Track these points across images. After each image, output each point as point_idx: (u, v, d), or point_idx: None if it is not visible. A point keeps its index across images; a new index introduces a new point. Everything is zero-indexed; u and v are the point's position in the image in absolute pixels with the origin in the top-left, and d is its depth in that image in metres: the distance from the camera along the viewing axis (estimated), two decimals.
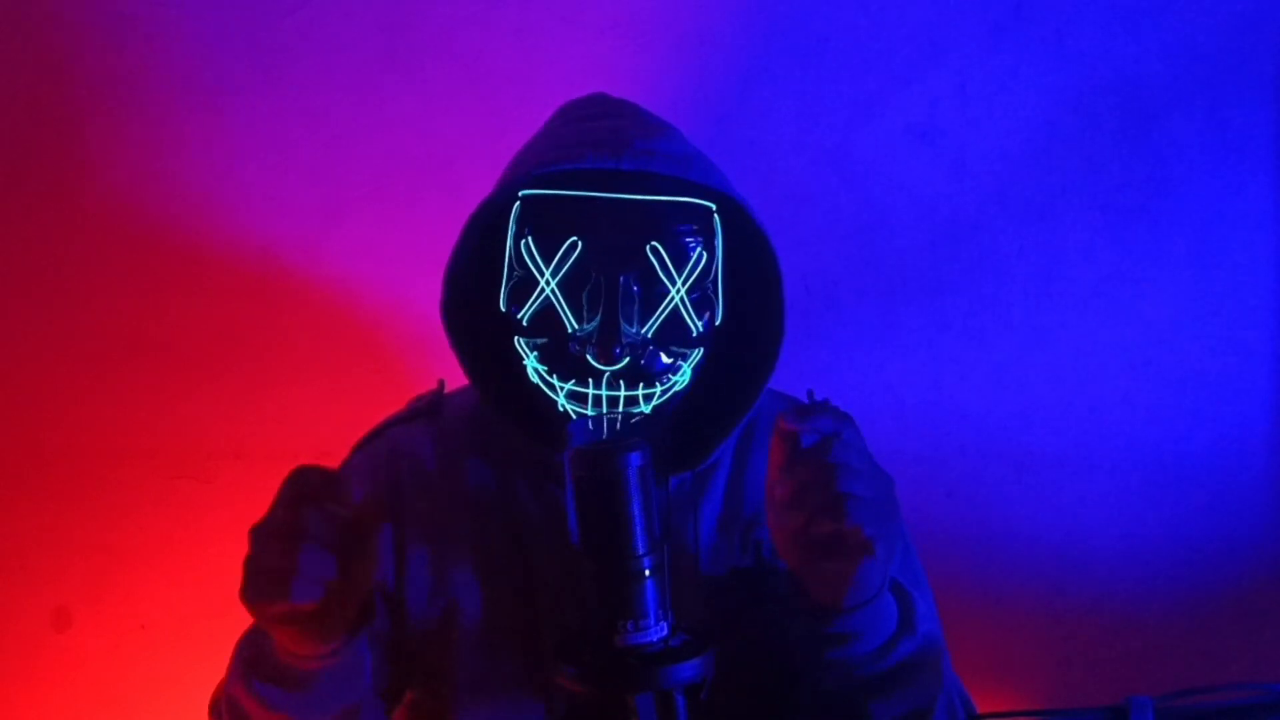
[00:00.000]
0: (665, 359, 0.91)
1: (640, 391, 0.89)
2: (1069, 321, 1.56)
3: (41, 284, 1.56)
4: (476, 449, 0.99)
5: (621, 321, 0.87)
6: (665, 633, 0.78)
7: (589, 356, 0.88)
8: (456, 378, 1.01)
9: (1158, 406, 1.57)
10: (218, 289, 1.54)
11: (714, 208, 0.93)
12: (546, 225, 0.90)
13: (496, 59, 1.52)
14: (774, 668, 0.90)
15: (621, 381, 0.89)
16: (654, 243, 0.89)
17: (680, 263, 0.90)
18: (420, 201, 1.52)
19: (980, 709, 0.95)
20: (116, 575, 1.58)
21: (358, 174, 1.54)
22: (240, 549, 0.75)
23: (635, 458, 0.77)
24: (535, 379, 0.92)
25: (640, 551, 0.77)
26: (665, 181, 0.89)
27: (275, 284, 1.54)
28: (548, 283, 0.90)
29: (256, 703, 0.81)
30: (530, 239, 0.91)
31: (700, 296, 0.92)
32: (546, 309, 0.90)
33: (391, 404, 1.07)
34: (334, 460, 1.02)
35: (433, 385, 1.05)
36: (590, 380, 0.89)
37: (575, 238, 0.89)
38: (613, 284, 0.88)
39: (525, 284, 0.91)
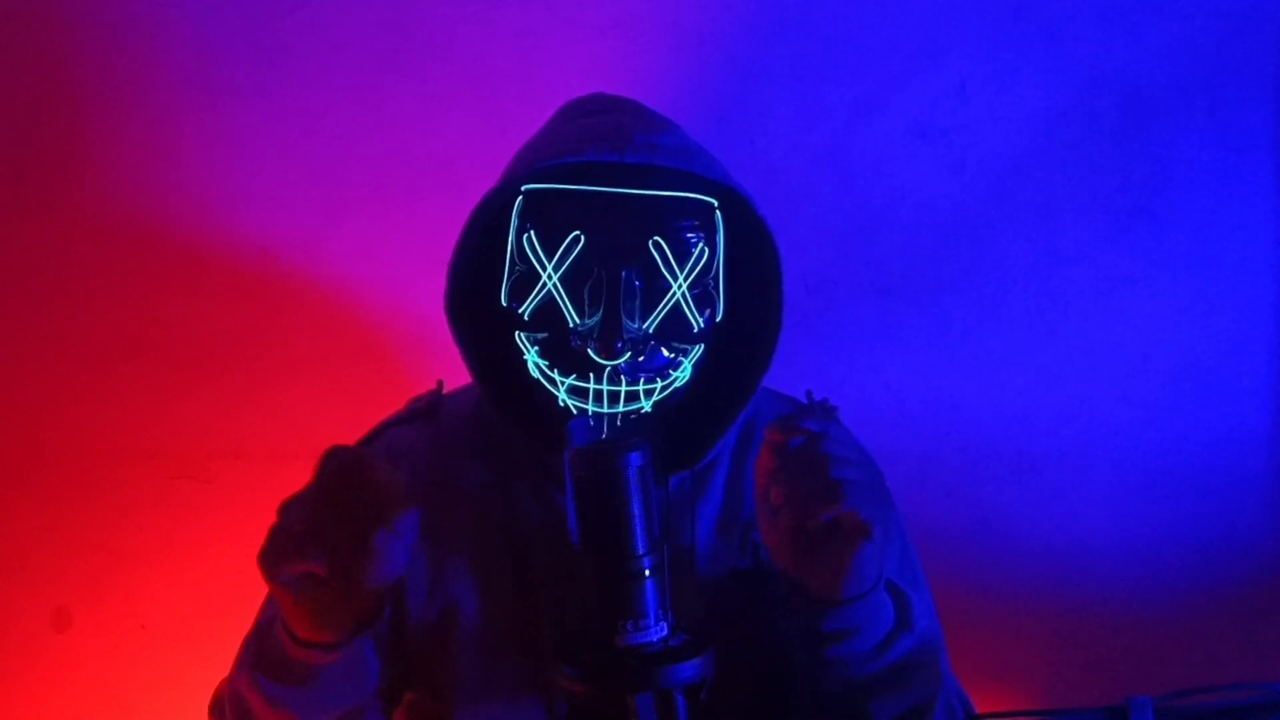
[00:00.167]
0: (666, 354, 0.91)
1: (641, 387, 0.89)
2: (1069, 321, 1.56)
3: (41, 284, 1.56)
4: (475, 449, 0.99)
5: (623, 316, 0.87)
6: (665, 633, 0.78)
7: (590, 351, 0.88)
8: (456, 378, 1.01)
9: (1158, 406, 1.57)
10: (217, 289, 1.54)
11: (716, 203, 0.93)
12: (548, 220, 0.90)
13: (496, 59, 1.52)
14: (773, 668, 0.90)
15: (622, 377, 0.89)
16: (656, 238, 0.89)
17: (682, 258, 0.90)
18: (420, 201, 1.52)
19: (980, 709, 0.95)
20: (116, 575, 1.58)
21: (358, 174, 1.54)
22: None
23: (635, 458, 0.77)
24: (536, 374, 0.92)
25: (640, 551, 0.77)
26: (667, 178, 0.89)
27: (275, 284, 1.54)
28: (549, 277, 0.90)
29: (261, 698, 0.82)
30: (532, 233, 0.91)
31: (701, 292, 0.92)
32: (548, 303, 0.90)
33: (391, 404, 1.07)
34: None
35: (432, 385, 1.05)
36: (591, 375, 0.89)
37: (577, 232, 0.89)
38: (614, 279, 0.88)
39: (527, 279, 0.91)
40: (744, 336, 0.97)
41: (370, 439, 1.03)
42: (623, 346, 0.87)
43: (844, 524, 0.78)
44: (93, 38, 1.52)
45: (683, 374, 0.92)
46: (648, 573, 0.77)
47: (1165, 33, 1.52)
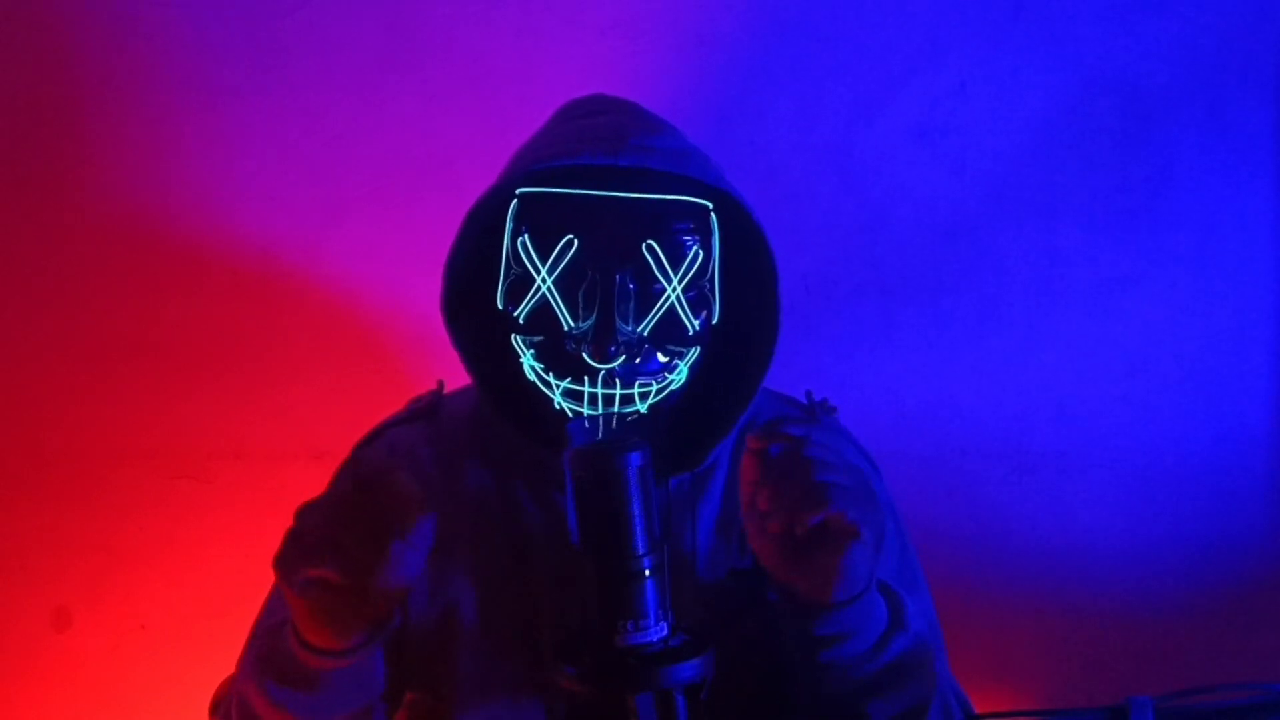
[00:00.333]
0: (661, 358, 0.91)
1: (636, 390, 0.89)
2: (1069, 321, 1.56)
3: (41, 284, 1.56)
4: (475, 450, 0.99)
5: (617, 319, 0.87)
6: (665, 633, 0.78)
7: (585, 354, 0.88)
8: (456, 378, 1.01)
9: (1158, 406, 1.57)
10: (217, 289, 1.54)
11: (711, 206, 0.93)
12: (543, 223, 0.90)
13: (496, 59, 1.52)
14: (772, 668, 0.90)
15: (618, 380, 0.88)
16: (650, 240, 0.88)
17: (676, 261, 0.90)
18: (420, 201, 1.52)
19: (980, 709, 0.95)
20: (116, 575, 1.58)
21: (358, 174, 1.54)
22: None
23: (635, 458, 0.77)
24: (532, 377, 0.92)
25: (640, 551, 0.77)
26: (662, 181, 0.89)
27: (275, 284, 1.54)
28: (544, 280, 0.90)
29: (266, 701, 0.82)
30: (526, 236, 0.91)
31: (697, 295, 0.92)
32: (543, 307, 0.90)
33: (391, 404, 1.07)
34: (333, 461, 1.03)
35: (432, 386, 1.05)
36: (586, 378, 0.88)
37: (571, 235, 0.89)
38: (608, 281, 0.88)
39: (522, 282, 0.91)
40: (742, 338, 0.97)
41: (371, 439, 1.03)
42: (617, 350, 0.87)
43: (832, 527, 0.77)
44: (93, 38, 1.52)
45: (678, 377, 0.92)
46: (648, 573, 0.77)
47: (1165, 33, 1.52)
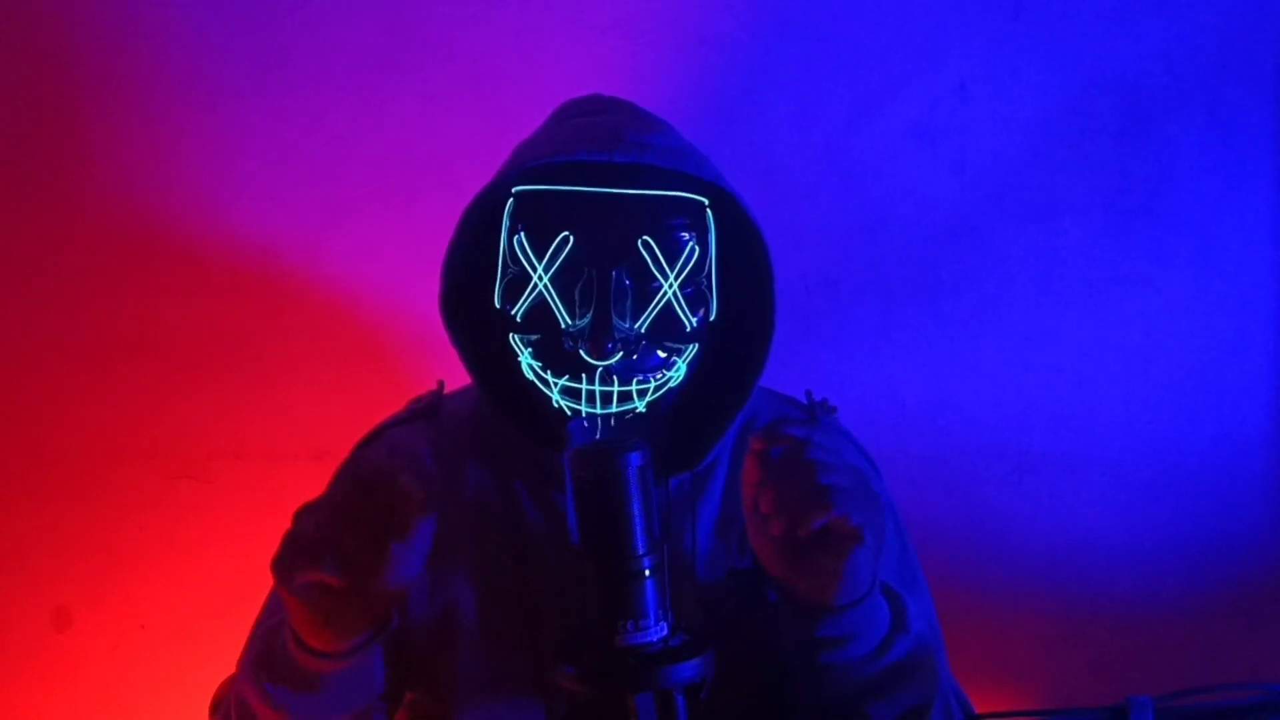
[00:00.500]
0: (660, 355, 0.91)
1: (634, 387, 0.89)
2: (1069, 321, 1.56)
3: (41, 284, 1.56)
4: (475, 450, 0.99)
5: (614, 316, 0.87)
6: (665, 633, 0.78)
7: (582, 351, 0.88)
8: (456, 378, 1.01)
9: (1158, 406, 1.57)
10: (217, 289, 1.54)
11: (707, 203, 0.93)
12: (539, 220, 0.90)
13: (496, 59, 1.52)
14: (772, 669, 0.90)
15: (615, 377, 0.88)
16: (646, 237, 0.88)
17: (673, 257, 0.90)
18: (420, 201, 1.52)
19: (980, 709, 0.95)
20: (116, 575, 1.58)
21: (358, 174, 1.54)
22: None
23: (635, 458, 0.77)
24: (530, 376, 0.92)
25: (640, 551, 0.77)
26: (658, 178, 0.89)
27: (275, 284, 1.54)
28: (540, 278, 0.90)
29: (266, 703, 0.82)
30: (523, 234, 0.91)
31: (694, 292, 0.92)
32: (540, 304, 0.90)
33: (391, 404, 1.07)
34: (333, 461, 1.03)
35: (432, 386, 1.05)
36: (584, 376, 0.88)
37: (567, 232, 0.88)
38: (605, 278, 0.88)
39: (519, 280, 0.91)
40: (741, 337, 0.97)
41: (371, 439, 1.03)
42: (614, 346, 0.87)
43: (835, 530, 0.77)
44: (93, 38, 1.52)
45: (677, 374, 0.92)
46: (648, 573, 0.77)
47: (1165, 33, 1.52)
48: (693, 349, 0.92)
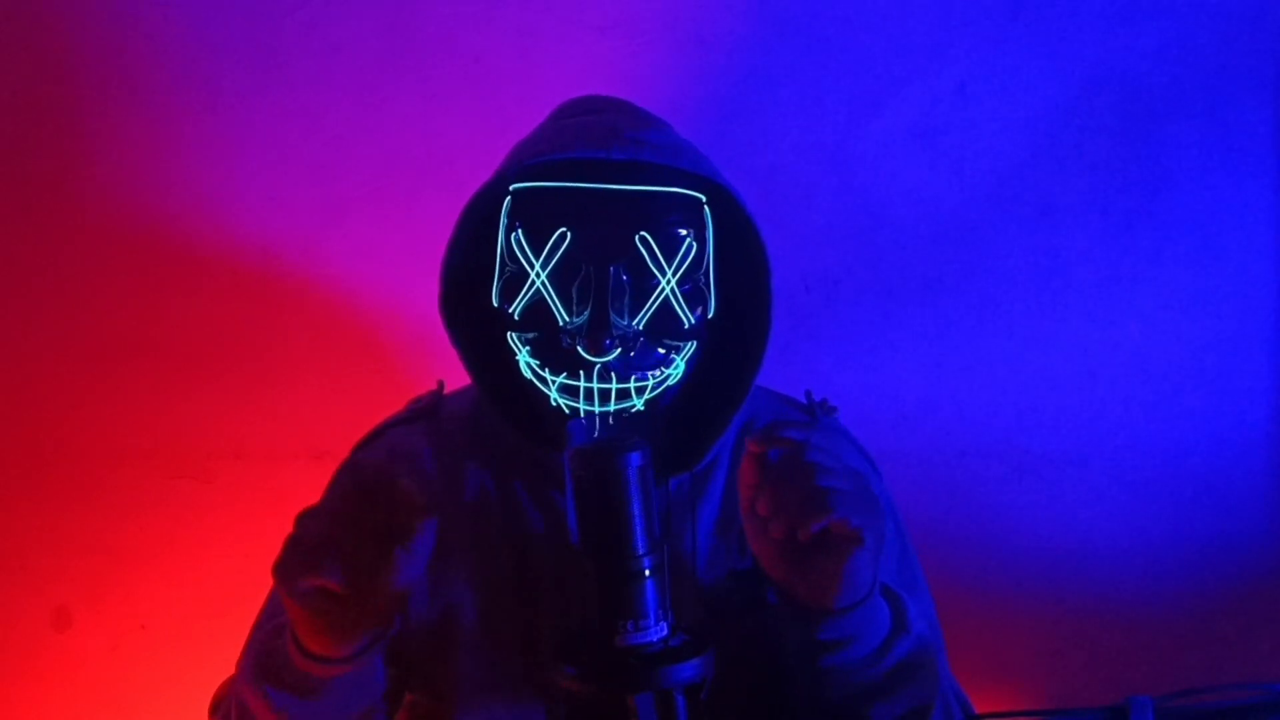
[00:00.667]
0: (658, 352, 0.90)
1: (633, 385, 0.89)
2: (1069, 321, 1.56)
3: (41, 284, 1.56)
4: (475, 450, 0.99)
5: (612, 313, 0.87)
6: (665, 633, 0.78)
7: (580, 348, 0.88)
8: (456, 378, 1.01)
9: (1158, 406, 1.57)
10: (217, 289, 1.54)
11: (704, 199, 0.93)
12: (536, 218, 0.90)
13: (496, 59, 1.52)
14: (772, 669, 0.90)
15: (613, 374, 0.88)
16: (643, 233, 0.88)
17: (670, 253, 0.89)
18: (420, 201, 1.52)
19: (980, 709, 0.95)
20: (116, 575, 1.58)
21: (358, 174, 1.54)
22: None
23: (635, 457, 0.77)
24: (528, 374, 0.91)
25: (640, 551, 0.77)
26: (655, 175, 0.89)
27: (275, 284, 1.54)
28: (537, 275, 0.90)
29: (266, 706, 0.81)
30: (520, 232, 0.91)
31: (692, 289, 0.92)
32: (537, 302, 0.90)
33: (391, 404, 1.07)
34: (333, 461, 1.02)
35: (432, 386, 1.05)
36: (581, 373, 0.88)
37: (564, 229, 0.88)
38: (602, 275, 0.88)
39: (517, 278, 0.91)
40: (740, 336, 0.97)
41: (371, 439, 1.03)
42: (612, 343, 0.87)
43: (834, 533, 0.77)
44: (93, 38, 1.52)
45: (675, 371, 0.92)
46: (648, 573, 0.77)
47: (1165, 33, 1.52)
48: (691, 346, 0.92)
